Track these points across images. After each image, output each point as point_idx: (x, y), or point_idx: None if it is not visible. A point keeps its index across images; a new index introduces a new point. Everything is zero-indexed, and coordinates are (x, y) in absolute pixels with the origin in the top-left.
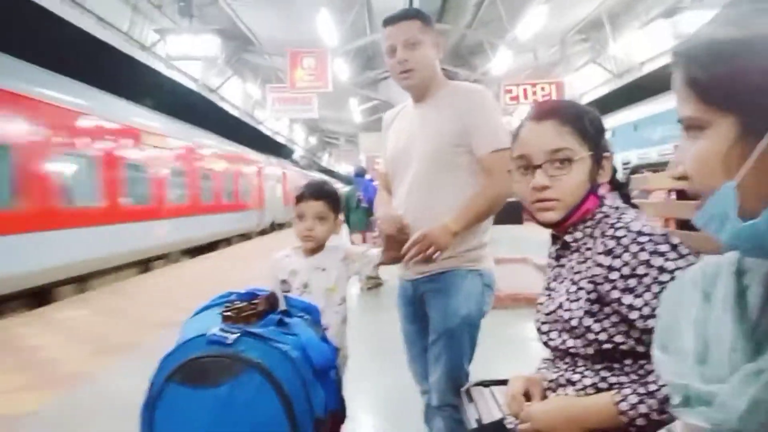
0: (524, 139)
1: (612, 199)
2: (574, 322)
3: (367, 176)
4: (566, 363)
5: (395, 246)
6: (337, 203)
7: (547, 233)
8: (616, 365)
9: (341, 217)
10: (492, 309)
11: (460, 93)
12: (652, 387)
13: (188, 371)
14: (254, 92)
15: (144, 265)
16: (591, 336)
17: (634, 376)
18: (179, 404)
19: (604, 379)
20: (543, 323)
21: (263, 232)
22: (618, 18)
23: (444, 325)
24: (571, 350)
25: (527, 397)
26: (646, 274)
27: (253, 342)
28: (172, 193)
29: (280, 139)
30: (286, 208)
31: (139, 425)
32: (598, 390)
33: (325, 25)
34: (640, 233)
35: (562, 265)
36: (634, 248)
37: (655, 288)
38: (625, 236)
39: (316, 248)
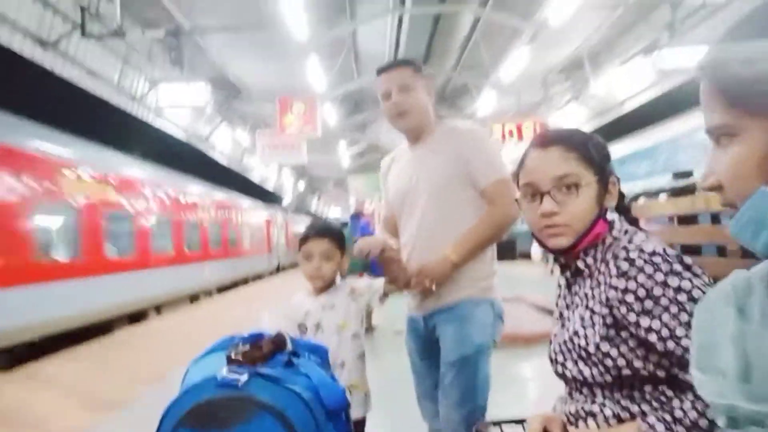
0: (530, 167)
1: (621, 223)
2: (591, 349)
3: (363, 219)
4: (584, 394)
5: (395, 269)
6: (342, 241)
7: (539, 270)
8: (636, 393)
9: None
10: None
11: (455, 131)
12: (678, 413)
13: (198, 415)
14: (243, 139)
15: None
16: (609, 362)
17: (655, 404)
18: None
19: (625, 408)
20: (558, 353)
21: (270, 274)
22: (598, 57)
23: (458, 352)
24: (589, 380)
25: None
26: (662, 295)
27: (264, 383)
28: (215, 242)
29: (269, 186)
30: (288, 252)
31: None
32: (621, 420)
33: (314, 70)
34: (654, 254)
35: (575, 293)
36: (649, 269)
37: (673, 308)
38: (638, 257)
39: (324, 287)
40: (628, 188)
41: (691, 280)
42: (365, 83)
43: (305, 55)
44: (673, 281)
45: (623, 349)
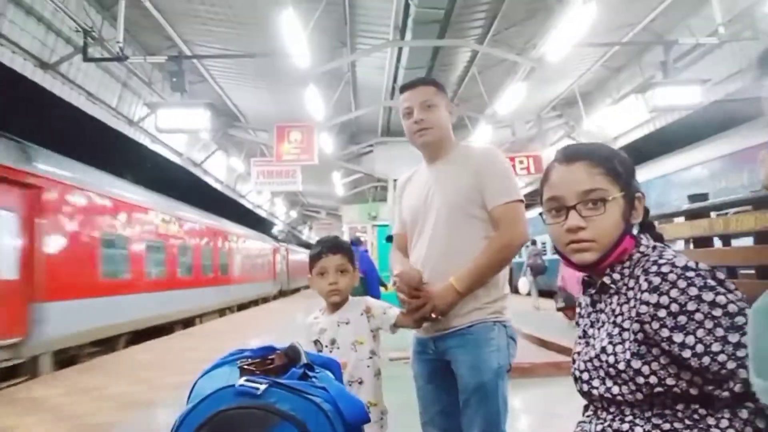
0: (555, 181)
1: (647, 239)
2: (621, 366)
3: (362, 247)
4: (611, 413)
5: (418, 305)
6: (353, 255)
7: (526, 302)
8: (667, 411)
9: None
10: None
11: (473, 151)
12: None
13: (216, 425)
14: (238, 166)
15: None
16: (640, 380)
17: (688, 422)
18: None
19: (657, 426)
20: (583, 371)
21: (274, 297)
22: (591, 95)
23: (476, 380)
24: (618, 398)
25: None
26: (697, 310)
27: (284, 393)
28: (238, 269)
29: (261, 213)
30: (288, 279)
31: None
32: None
33: (312, 100)
34: (686, 268)
35: (599, 310)
36: (682, 284)
37: (708, 324)
38: (671, 272)
39: (341, 302)
40: None
41: (725, 295)
42: (363, 115)
43: (304, 85)
44: (708, 296)
45: (655, 366)
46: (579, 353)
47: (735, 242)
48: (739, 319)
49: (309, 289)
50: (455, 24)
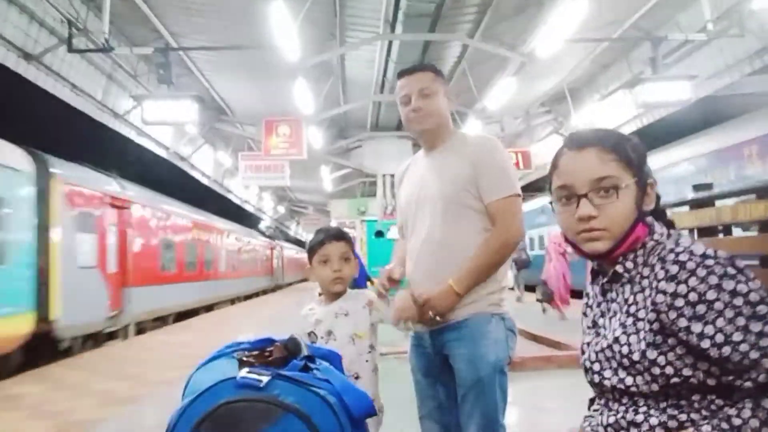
0: (565, 169)
1: (661, 227)
2: (635, 357)
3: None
4: (624, 404)
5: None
6: (353, 244)
7: (512, 295)
8: (683, 402)
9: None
10: None
11: (471, 140)
12: (737, 421)
13: (220, 418)
14: (225, 160)
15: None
16: (656, 370)
17: (705, 412)
18: None
19: (673, 417)
20: (594, 362)
21: (273, 290)
22: (579, 91)
23: (473, 374)
24: (631, 388)
25: None
26: (717, 299)
27: (288, 385)
28: (244, 265)
29: (248, 208)
30: (284, 274)
31: None
32: (668, 430)
33: (301, 94)
34: (705, 256)
35: (611, 300)
36: (702, 272)
37: (729, 313)
38: (689, 260)
39: (342, 291)
40: None
41: (746, 284)
42: (352, 109)
43: (293, 79)
44: (728, 284)
45: (671, 356)
46: (589, 344)
47: (735, 232)
48: (761, 308)
49: (301, 283)
50: (446, 18)
